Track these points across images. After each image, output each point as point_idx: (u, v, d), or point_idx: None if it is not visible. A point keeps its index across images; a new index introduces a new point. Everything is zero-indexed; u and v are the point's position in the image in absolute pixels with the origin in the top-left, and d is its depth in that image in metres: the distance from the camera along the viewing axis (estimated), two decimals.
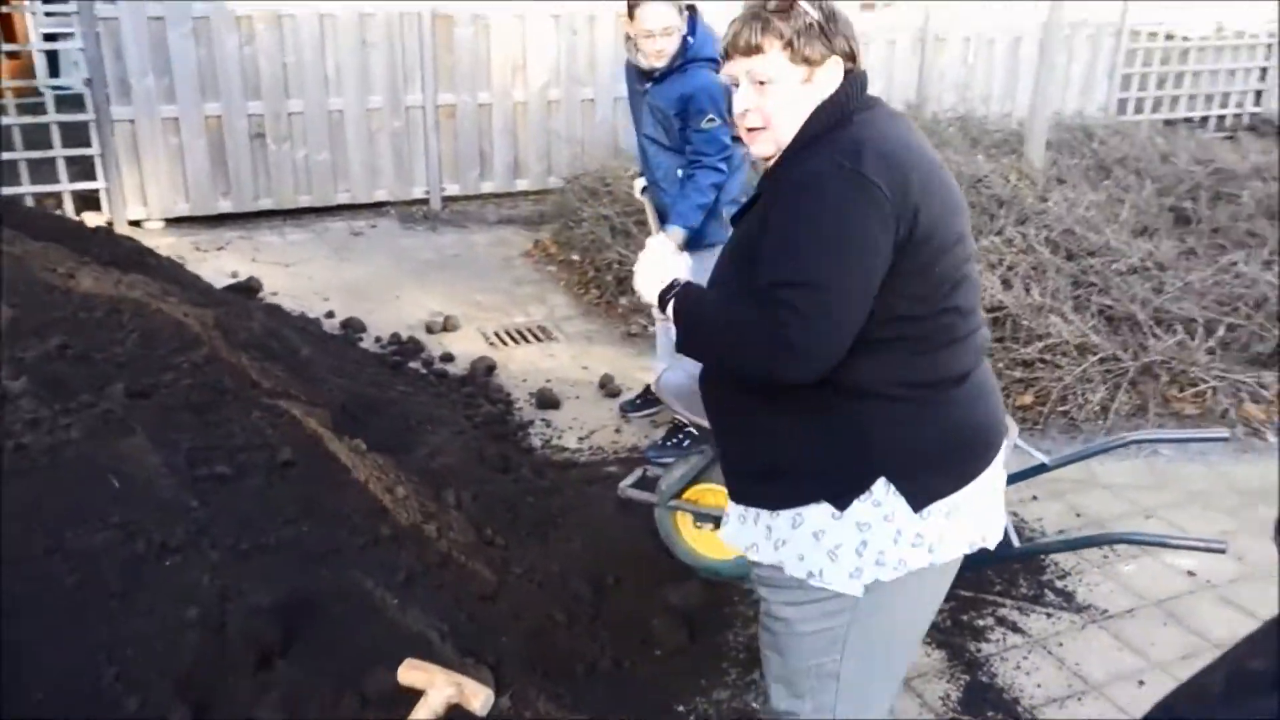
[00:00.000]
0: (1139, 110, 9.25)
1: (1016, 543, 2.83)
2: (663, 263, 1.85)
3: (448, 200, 7.29)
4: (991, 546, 1.89)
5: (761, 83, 1.73)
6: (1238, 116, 9.73)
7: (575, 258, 6.02)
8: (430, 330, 5.13)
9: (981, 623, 3.01)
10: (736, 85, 1.79)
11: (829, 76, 1.74)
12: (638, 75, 3.68)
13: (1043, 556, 3.31)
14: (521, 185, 7.47)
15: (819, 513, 1.76)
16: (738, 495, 1.90)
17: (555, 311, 5.48)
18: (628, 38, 3.60)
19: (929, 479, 1.75)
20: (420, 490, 3.20)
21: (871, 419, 1.72)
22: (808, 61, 1.72)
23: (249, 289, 5.28)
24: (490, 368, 4.66)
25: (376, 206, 7.13)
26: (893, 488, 1.73)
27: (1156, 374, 4.29)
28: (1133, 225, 5.45)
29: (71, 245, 4.15)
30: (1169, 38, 9.36)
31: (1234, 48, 9.57)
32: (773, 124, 1.75)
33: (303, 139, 6.79)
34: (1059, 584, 3.20)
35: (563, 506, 3.41)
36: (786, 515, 1.79)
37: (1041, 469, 2.91)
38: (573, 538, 3.24)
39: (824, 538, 1.76)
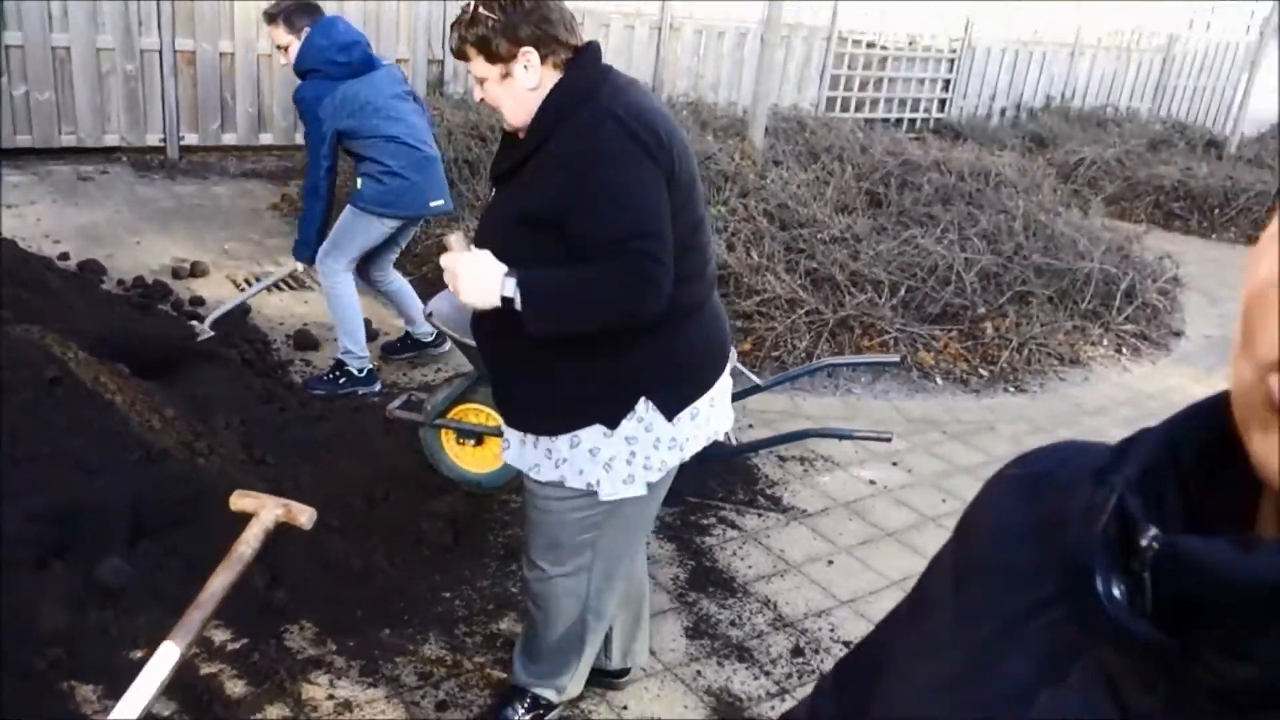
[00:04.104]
0: (845, 109, 10.36)
1: (734, 443, 3.36)
2: (483, 266, 1.92)
3: (186, 150, 7.09)
4: (723, 439, 2.31)
5: (480, 80, 2.02)
6: (925, 121, 11.09)
7: None
8: (177, 275, 5.07)
9: (705, 521, 3.53)
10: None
11: (528, 65, 1.97)
12: None
13: (756, 468, 3.89)
14: (266, 140, 7.38)
15: (593, 433, 2.06)
16: (519, 424, 2.15)
17: None
18: None
19: (679, 391, 2.13)
20: (188, 414, 3.31)
21: (633, 348, 2.01)
22: (500, 59, 1.97)
23: None
24: (245, 311, 4.71)
25: (107, 152, 6.83)
26: (651, 403, 2.08)
27: (851, 326, 5.03)
28: (835, 203, 6.25)
29: None
30: (870, 45, 10.53)
31: (923, 59, 10.90)
32: (501, 109, 2.03)
33: (21, 75, 6.40)
34: (769, 491, 3.78)
35: (331, 432, 3.61)
36: (564, 438, 2.08)
37: (756, 389, 3.46)
38: (342, 459, 3.45)
39: (599, 454, 2.08)
